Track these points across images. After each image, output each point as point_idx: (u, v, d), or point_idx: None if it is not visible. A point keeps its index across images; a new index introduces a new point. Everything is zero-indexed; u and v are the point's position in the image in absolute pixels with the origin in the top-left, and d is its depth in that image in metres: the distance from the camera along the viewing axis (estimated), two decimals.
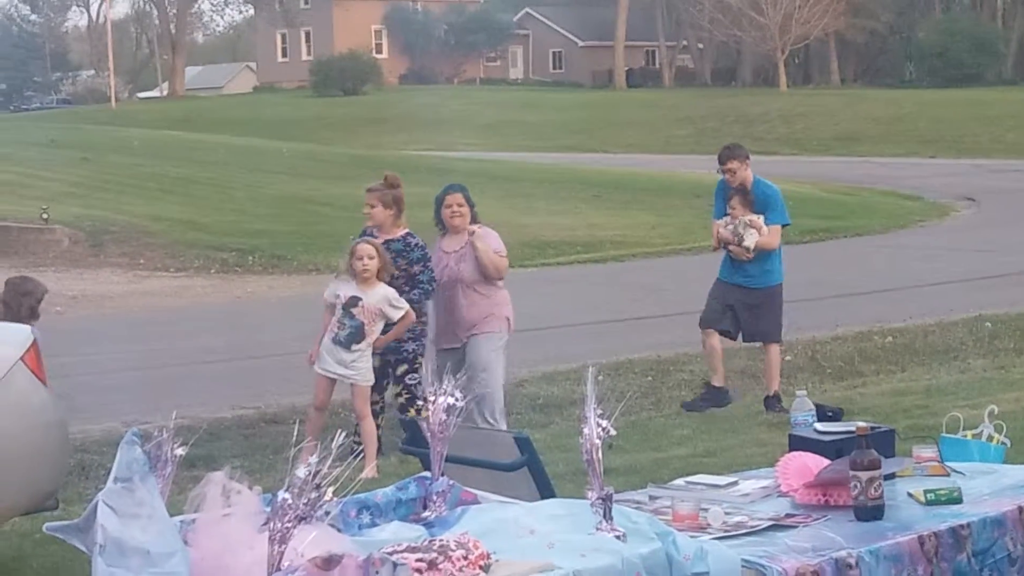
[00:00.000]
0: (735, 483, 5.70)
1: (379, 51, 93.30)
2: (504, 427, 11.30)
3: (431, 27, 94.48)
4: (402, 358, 11.06)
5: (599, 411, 4.76)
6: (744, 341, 12.86)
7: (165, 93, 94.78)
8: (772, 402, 12.37)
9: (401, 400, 11.14)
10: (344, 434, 4.22)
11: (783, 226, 12.49)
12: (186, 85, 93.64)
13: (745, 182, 12.37)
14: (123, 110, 77.02)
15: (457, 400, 5.04)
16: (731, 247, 12.32)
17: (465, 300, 11.34)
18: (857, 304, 19.68)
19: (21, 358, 8.53)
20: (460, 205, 11.42)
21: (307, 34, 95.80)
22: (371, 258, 10.65)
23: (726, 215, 12.35)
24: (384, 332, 10.69)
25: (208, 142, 45.62)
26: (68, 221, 28.58)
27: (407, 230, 11.31)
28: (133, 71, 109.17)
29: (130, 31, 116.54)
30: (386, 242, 10.98)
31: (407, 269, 11.03)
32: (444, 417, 5.04)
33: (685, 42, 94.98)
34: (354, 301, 10.64)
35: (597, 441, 4.72)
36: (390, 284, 10.74)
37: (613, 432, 4.80)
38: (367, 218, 11.38)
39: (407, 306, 10.72)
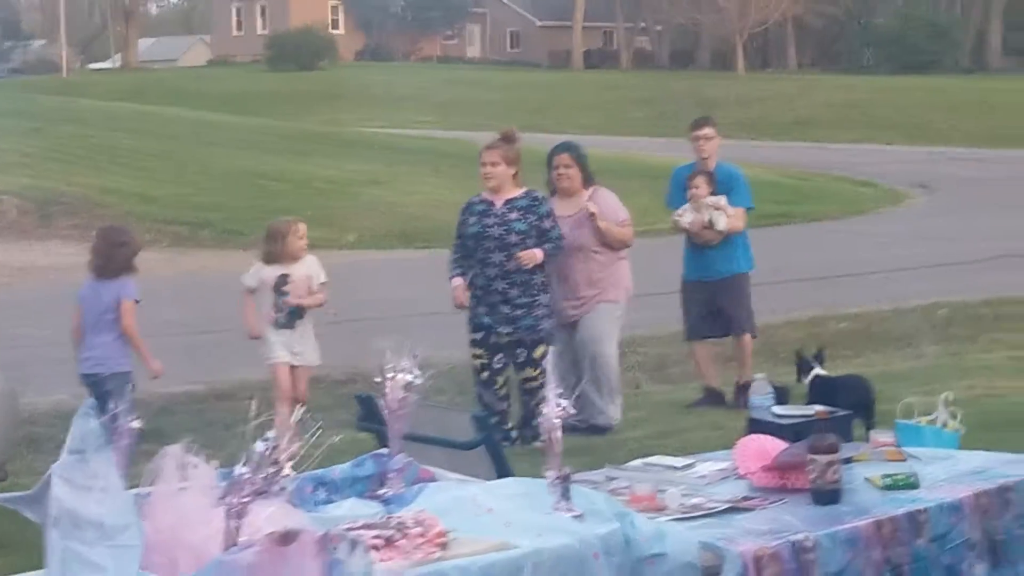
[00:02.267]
0: (692, 465, 5.68)
1: (335, 27, 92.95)
2: (618, 409, 11.05)
3: (388, 3, 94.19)
4: (539, 338, 10.30)
5: (558, 391, 4.74)
6: (723, 335, 12.36)
7: (118, 64, 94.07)
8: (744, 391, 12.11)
9: (534, 384, 10.20)
10: (303, 408, 4.18)
11: (747, 210, 12.06)
12: (139, 57, 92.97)
13: (712, 158, 11.96)
14: (75, 80, 76.39)
15: (415, 377, 4.99)
16: (703, 232, 11.82)
17: (584, 268, 10.90)
18: (810, 289, 19.73)
19: None
20: (567, 166, 10.95)
21: (263, 8, 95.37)
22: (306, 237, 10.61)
23: (685, 203, 11.93)
24: None
25: (161, 115, 45.31)
26: (16, 192, 28.33)
27: (527, 188, 10.58)
28: (85, 41, 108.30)
29: (83, 1, 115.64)
30: (508, 201, 10.42)
31: (537, 224, 10.34)
32: (402, 394, 4.99)
33: (644, 24, 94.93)
34: (283, 279, 10.52)
35: (556, 421, 4.69)
36: (521, 246, 10.30)
37: (572, 411, 4.77)
38: (488, 179, 10.56)
39: (325, 276, 10.53)
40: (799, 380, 9.74)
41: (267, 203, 29.13)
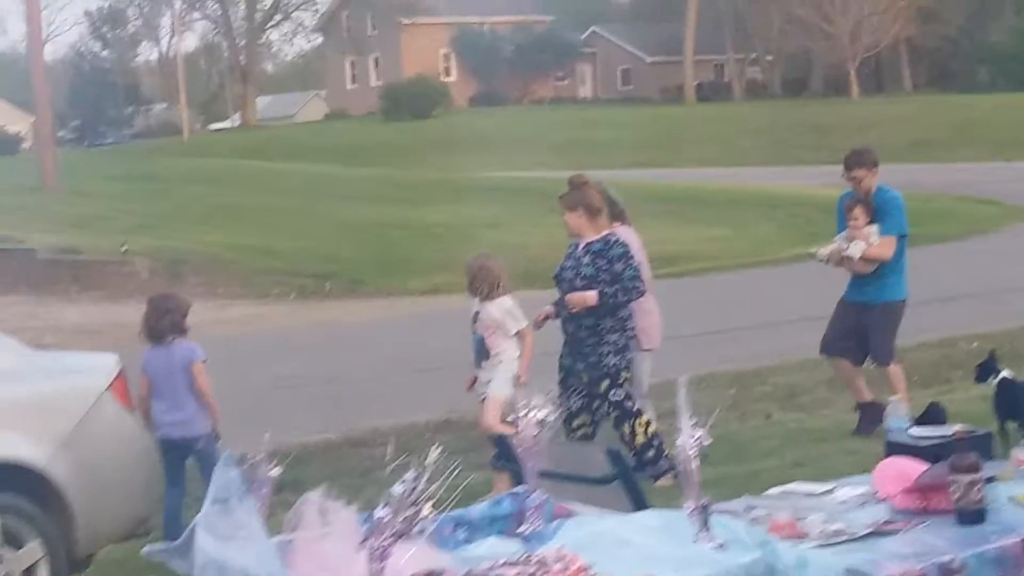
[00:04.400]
0: (831, 491, 5.62)
1: (447, 74, 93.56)
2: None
3: (498, 48, 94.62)
4: (603, 373, 10.36)
5: (693, 421, 4.72)
6: (863, 362, 12.10)
7: (237, 123, 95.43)
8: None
9: (611, 420, 10.40)
10: (440, 449, 4.19)
11: (900, 236, 11.77)
12: (257, 115, 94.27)
13: (871, 190, 11.79)
14: (196, 141, 77.67)
15: (548, 414, 5.01)
16: (842, 262, 11.77)
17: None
18: (940, 310, 19.47)
19: (109, 387, 8.60)
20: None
21: (375, 60, 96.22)
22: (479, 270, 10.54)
23: (844, 231, 11.82)
24: None
25: (281, 170, 45.88)
26: (146, 253, 28.84)
27: (608, 231, 10.54)
28: (204, 103, 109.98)
29: (200, 63, 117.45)
30: (587, 245, 10.43)
31: (608, 269, 10.32)
32: (535, 431, 5.01)
33: (755, 54, 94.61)
34: (474, 317, 10.56)
35: (692, 452, 4.67)
36: (588, 289, 10.31)
37: (707, 442, 4.75)
38: (565, 227, 10.58)
39: (525, 322, 10.43)
40: (981, 381, 9.59)
41: (389, 252, 29.39)
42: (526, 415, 4.98)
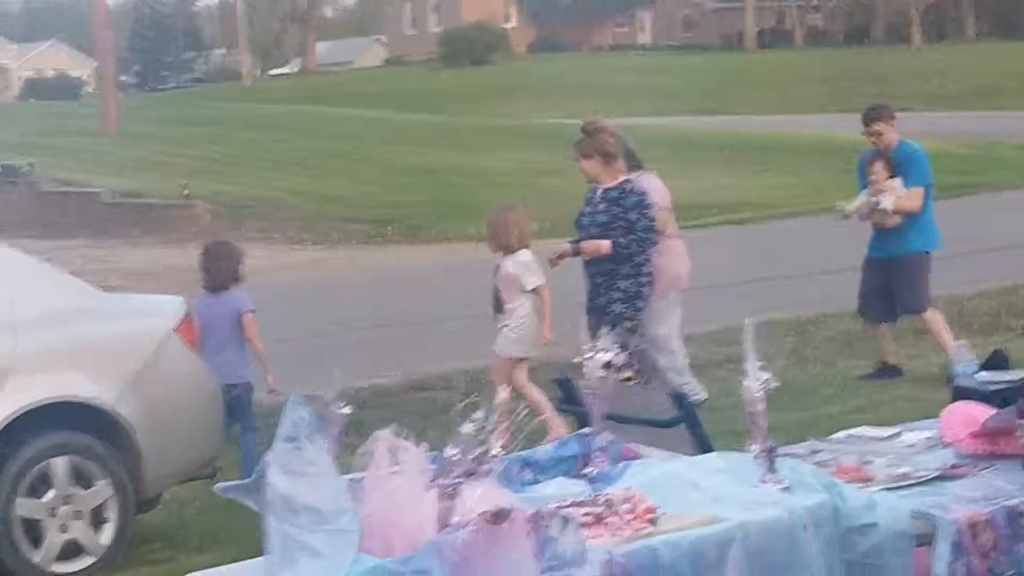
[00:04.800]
0: (898, 435, 5.62)
1: (507, 20, 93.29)
2: (696, 385, 11.03)
3: None
4: (608, 320, 10.16)
5: (760, 364, 4.72)
6: (898, 315, 12.24)
7: (296, 69, 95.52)
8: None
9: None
10: (509, 389, 4.22)
11: (926, 187, 11.86)
12: (317, 60, 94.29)
13: (890, 145, 11.85)
14: (255, 87, 77.81)
15: (615, 356, 5.03)
16: (872, 215, 11.82)
17: None
18: (999, 259, 19.35)
19: (174, 329, 8.68)
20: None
21: (435, 6, 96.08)
22: (516, 225, 10.54)
23: (866, 188, 11.88)
24: None
25: (341, 116, 45.93)
26: (207, 197, 29.00)
27: (626, 177, 10.51)
28: (264, 48, 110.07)
29: (261, 8, 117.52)
30: (604, 191, 10.42)
31: (623, 216, 10.30)
32: (602, 374, 5.02)
33: (816, 1, 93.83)
34: (496, 269, 10.59)
35: (759, 394, 4.68)
36: (604, 236, 10.32)
37: (774, 385, 4.75)
38: (582, 174, 10.61)
39: (543, 279, 10.44)
40: None
41: (448, 198, 29.42)
42: (592, 358, 5.00)
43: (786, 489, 4.58)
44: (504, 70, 74.10)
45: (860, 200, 11.90)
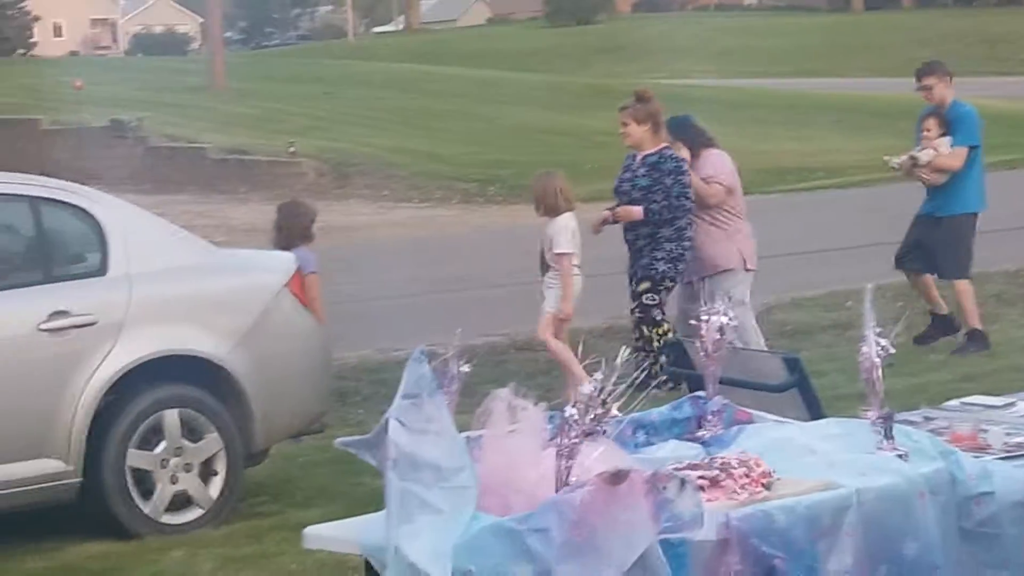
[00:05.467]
0: (1013, 404, 5.58)
1: None
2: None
3: None
4: (647, 275, 10.67)
5: (878, 330, 4.71)
6: (931, 274, 12.15)
7: (401, 27, 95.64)
8: (975, 339, 11.85)
9: (634, 317, 10.79)
10: (628, 350, 4.23)
11: (971, 148, 11.85)
12: (421, 18, 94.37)
13: (944, 101, 11.95)
14: (360, 44, 78.05)
15: (730, 319, 5.03)
16: (913, 171, 11.88)
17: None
18: None
19: (286, 284, 8.76)
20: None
21: None
22: (560, 190, 10.71)
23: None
24: None
25: (446, 75, 45.98)
26: (313, 154, 29.16)
27: (665, 144, 10.83)
28: (369, 5, 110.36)
29: None
30: (644, 157, 10.76)
31: (661, 180, 10.64)
32: (717, 337, 5.03)
33: None
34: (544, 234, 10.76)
35: (877, 360, 4.66)
36: (643, 200, 10.61)
37: (892, 351, 4.73)
38: (624, 138, 10.93)
39: (569, 248, 10.59)
40: None
41: (552, 158, 29.29)
42: (708, 320, 5.00)
43: (902, 456, 4.57)
44: (609, 29, 73.77)
45: (907, 155, 11.96)
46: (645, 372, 9.13)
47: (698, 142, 11.17)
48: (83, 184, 8.92)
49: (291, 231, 10.53)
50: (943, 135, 11.81)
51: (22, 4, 73.51)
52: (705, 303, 4.94)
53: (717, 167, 11.09)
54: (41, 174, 9.33)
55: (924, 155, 11.78)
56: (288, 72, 46.35)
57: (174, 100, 36.92)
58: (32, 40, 75.94)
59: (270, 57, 68.44)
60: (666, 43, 63.45)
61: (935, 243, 11.90)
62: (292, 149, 28.72)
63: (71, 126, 31.68)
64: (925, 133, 11.88)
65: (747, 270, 11.09)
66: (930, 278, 12.11)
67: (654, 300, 10.66)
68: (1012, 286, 14.74)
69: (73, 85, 31.57)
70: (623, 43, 65.15)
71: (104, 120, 31.48)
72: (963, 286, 11.93)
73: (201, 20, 78.41)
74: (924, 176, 11.87)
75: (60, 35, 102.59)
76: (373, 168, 28.70)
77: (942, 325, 12.12)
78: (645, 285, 10.70)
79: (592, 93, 41.06)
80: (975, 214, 11.97)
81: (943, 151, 11.76)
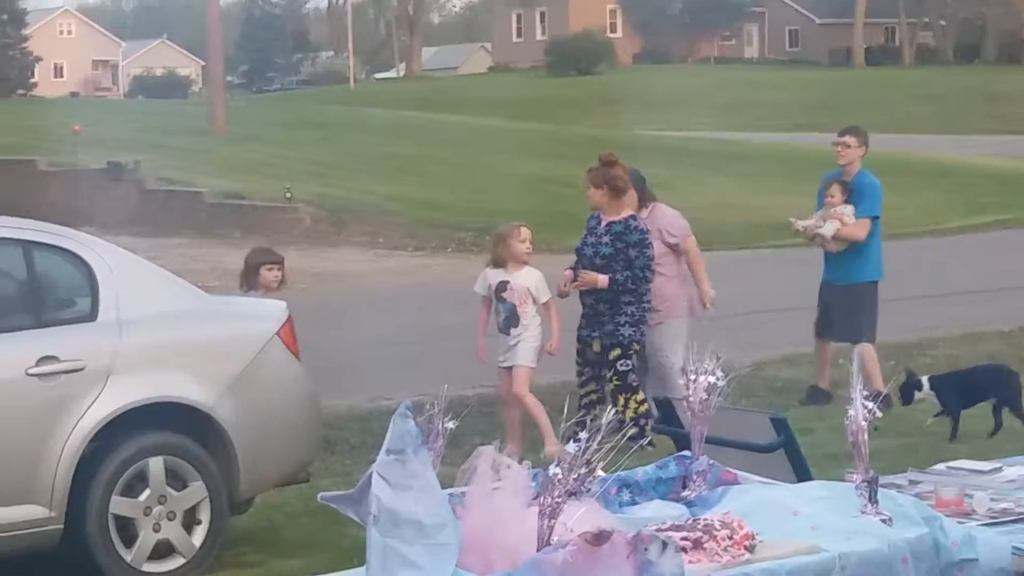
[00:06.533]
0: (999, 469, 5.56)
1: (613, 30, 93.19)
2: None
3: (666, 5, 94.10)
4: (616, 342, 10.71)
5: (865, 393, 4.70)
6: (834, 340, 12.45)
7: (402, 74, 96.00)
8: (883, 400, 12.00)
9: (611, 386, 10.73)
10: (614, 411, 4.22)
11: (873, 219, 12.17)
12: (422, 66, 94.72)
13: (854, 165, 12.21)
14: (361, 90, 78.26)
15: (718, 379, 5.01)
16: (815, 239, 12.21)
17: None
18: None
19: (277, 333, 8.73)
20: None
21: (542, 14, 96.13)
22: (531, 241, 10.82)
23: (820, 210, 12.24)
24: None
25: (446, 122, 46.08)
26: (310, 200, 29.17)
27: (631, 213, 10.88)
28: (371, 52, 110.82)
29: (368, 12, 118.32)
30: (609, 224, 10.77)
31: (625, 252, 10.67)
32: (704, 396, 5.01)
33: (927, 19, 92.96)
34: (503, 285, 10.77)
35: (863, 423, 4.65)
36: (606, 268, 10.67)
37: (879, 414, 4.73)
38: (588, 200, 10.93)
39: (549, 294, 10.74)
40: (907, 403, 10.80)
41: (551, 207, 29.38)
42: (696, 380, 4.99)
43: (886, 521, 4.55)
44: (609, 80, 74.02)
45: (811, 221, 12.27)
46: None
47: (641, 196, 11.24)
48: (79, 226, 8.92)
49: (246, 279, 10.56)
50: (845, 202, 12.09)
51: (23, 44, 73.74)
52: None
53: (670, 222, 11.30)
54: (37, 217, 9.32)
55: (827, 229, 12.05)
56: (288, 117, 46.45)
57: (173, 143, 36.97)
58: (32, 80, 76.17)
59: (271, 101, 68.65)
60: (665, 95, 63.66)
61: (835, 311, 12.24)
62: (288, 195, 28.74)
63: (69, 168, 31.70)
64: (829, 199, 12.13)
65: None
66: (830, 352, 12.41)
67: (628, 365, 10.71)
68: (1005, 346, 14.73)
69: (73, 130, 31.58)
70: (623, 94, 65.28)
71: (101, 162, 31.52)
72: (868, 350, 12.16)
73: (203, 63, 78.67)
74: (830, 246, 12.16)
75: (61, 76, 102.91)
76: (369, 215, 28.72)
77: (816, 396, 12.35)
78: (616, 352, 10.73)
79: (591, 143, 41.06)
80: (876, 282, 12.30)
81: (847, 221, 12.06)
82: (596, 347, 10.77)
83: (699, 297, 11.49)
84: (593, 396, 10.84)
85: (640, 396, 10.69)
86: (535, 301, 10.73)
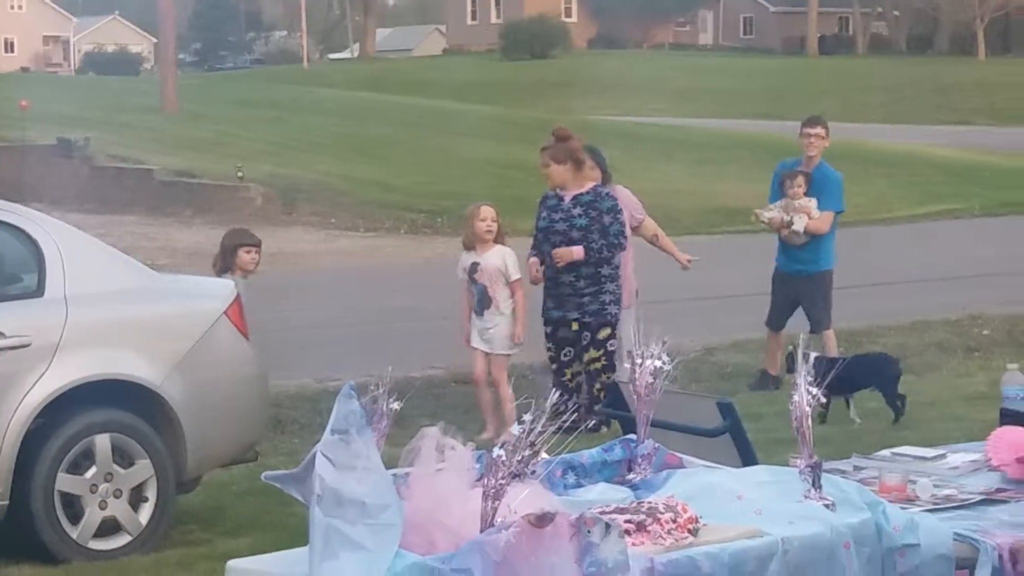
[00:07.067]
0: (943, 456, 5.59)
1: (568, 15, 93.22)
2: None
3: None
4: (605, 321, 10.68)
5: (809, 379, 4.71)
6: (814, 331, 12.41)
7: (356, 54, 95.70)
8: None
9: (597, 366, 10.68)
10: (558, 392, 4.22)
11: (836, 213, 12.34)
12: (376, 47, 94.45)
13: (818, 157, 12.31)
14: (314, 70, 78.02)
15: (664, 363, 5.02)
16: (782, 231, 12.27)
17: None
18: None
19: (225, 312, 8.71)
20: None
21: None
22: (494, 220, 10.79)
23: (781, 199, 12.28)
24: None
25: (399, 104, 45.98)
26: (262, 179, 29.06)
27: (596, 183, 10.91)
28: (324, 32, 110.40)
29: None
30: (576, 196, 10.73)
31: (599, 219, 10.66)
32: (651, 380, 5.02)
33: (880, 9, 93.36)
34: (473, 267, 10.75)
35: (807, 409, 4.67)
36: (583, 241, 10.63)
37: (823, 400, 4.75)
38: (547, 179, 10.89)
39: (519, 274, 10.74)
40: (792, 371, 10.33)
41: (503, 191, 29.31)
42: (642, 363, 4.99)
43: (829, 506, 4.57)
44: (564, 64, 74.00)
45: (774, 212, 12.32)
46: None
47: (607, 176, 11.31)
48: (28, 202, 8.87)
49: (222, 259, 10.55)
50: (806, 194, 12.20)
51: None
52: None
53: (626, 202, 11.30)
54: None
55: (799, 224, 12.13)
56: (240, 96, 46.27)
57: (123, 120, 36.78)
58: None
59: (223, 80, 68.33)
60: (620, 80, 63.70)
61: (805, 301, 12.36)
62: (240, 174, 28.62)
63: (17, 144, 31.47)
64: (792, 191, 12.18)
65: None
66: (781, 342, 12.50)
67: (614, 345, 10.69)
68: (952, 335, 14.83)
69: (19, 105, 31.34)
70: (577, 78, 65.32)
71: (51, 138, 31.30)
72: (830, 336, 12.38)
73: (155, 40, 78.19)
74: (797, 239, 12.24)
75: (11, 51, 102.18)
76: (321, 195, 28.64)
77: (766, 381, 12.51)
78: (606, 332, 10.71)
79: (545, 127, 40.88)
80: (832, 270, 12.47)
81: (814, 215, 12.16)
82: (575, 326, 10.71)
83: (680, 260, 12.01)
84: (580, 378, 10.78)
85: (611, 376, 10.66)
86: (507, 281, 10.72)
